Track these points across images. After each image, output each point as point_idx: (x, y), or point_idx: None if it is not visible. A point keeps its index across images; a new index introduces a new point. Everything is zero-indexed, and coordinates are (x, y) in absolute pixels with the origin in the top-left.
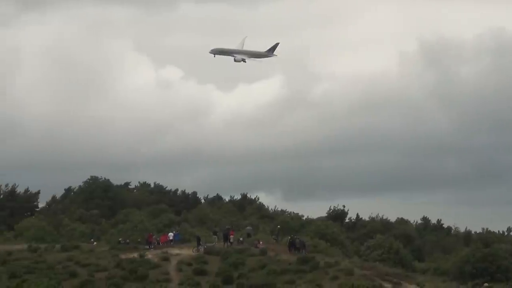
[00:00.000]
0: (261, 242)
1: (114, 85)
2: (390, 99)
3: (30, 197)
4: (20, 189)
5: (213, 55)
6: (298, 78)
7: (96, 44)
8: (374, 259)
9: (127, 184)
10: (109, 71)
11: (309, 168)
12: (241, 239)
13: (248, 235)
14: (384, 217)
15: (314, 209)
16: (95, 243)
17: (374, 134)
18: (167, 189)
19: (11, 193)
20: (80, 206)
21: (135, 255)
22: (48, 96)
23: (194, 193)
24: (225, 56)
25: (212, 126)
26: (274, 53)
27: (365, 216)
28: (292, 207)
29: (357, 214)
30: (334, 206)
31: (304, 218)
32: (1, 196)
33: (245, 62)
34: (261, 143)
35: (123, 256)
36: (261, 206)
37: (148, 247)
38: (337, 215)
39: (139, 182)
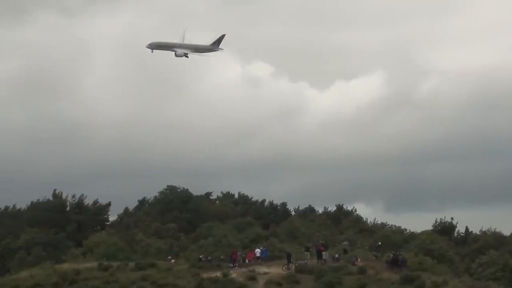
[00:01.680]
0: (359, 259)
1: (195, 83)
2: (505, 97)
3: (100, 210)
4: (88, 201)
5: (150, 50)
6: (402, 75)
7: (173, 38)
8: (487, 278)
9: (208, 194)
10: (189, 67)
11: (413, 175)
12: (336, 255)
13: (345, 251)
14: (498, 231)
15: (418, 221)
16: (173, 260)
17: (487, 137)
18: (253, 200)
19: (79, 205)
20: (155, 219)
21: (218, 274)
22: (120, 96)
23: (284, 204)
24: (165, 51)
25: (305, 128)
26: (220, 46)
27: (476, 230)
28: (393, 220)
29: (467, 228)
30: (441, 219)
31: (407, 231)
32: (68, 209)
33: (187, 57)
34: (359, 147)
35: (204, 275)
36: (359, 219)
37: (232, 265)
38: (444, 229)
39: (221, 192)
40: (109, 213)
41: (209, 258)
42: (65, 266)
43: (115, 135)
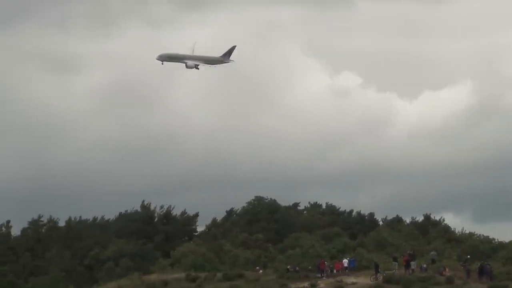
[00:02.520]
0: (447, 269)
1: (283, 93)
2: None
3: (188, 220)
4: (176, 211)
5: (160, 62)
6: (489, 84)
7: (262, 48)
8: None
9: (296, 204)
10: (277, 78)
11: (501, 184)
12: (424, 265)
13: (433, 261)
14: None
15: (507, 231)
16: (261, 271)
17: None
18: (340, 210)
19: (167, 216)
20: (243, 230)
21: (306, 284)
22: (209, 106)
23: (371, 214)
24: (175, 63)
25: (393, 139)
26: (231, 58)
27: None
28: (481, 229)
29: None
30: None
31: (495, 241)
32: (156, 220)
33: (197, 68)
34: (448, 156)
35: (292, 286)
36: (446, 228)
37: (320, 275)
38: None
39: (309, 203)
40: (197, 223)
41: (297, 268)
42: (153, 277)
43: (204, 145)
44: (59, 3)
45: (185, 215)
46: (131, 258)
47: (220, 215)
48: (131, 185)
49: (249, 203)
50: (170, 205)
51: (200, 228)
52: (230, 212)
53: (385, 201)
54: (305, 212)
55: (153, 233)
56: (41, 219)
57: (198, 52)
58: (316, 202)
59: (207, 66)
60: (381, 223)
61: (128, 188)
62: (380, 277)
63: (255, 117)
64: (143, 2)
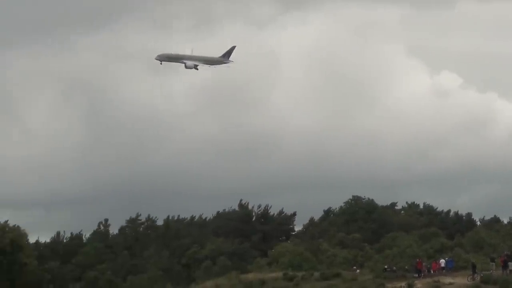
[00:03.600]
0: None
1: (383, 94)
2: None
3: (285, 220)
4: (273, 211)
5: (159, 62)
6: None
7: (362, 48)
8: None
9: (393, 204)
10: (378, 78)
11: None
12: None
13: None
14: None
15: None
16: (358, 270)
17: None
18: (438, 210)
19: (264, 215)
20: (340, 229)
21: (403, 284)
22: (309, 107)
23: (469, 215)
24: (174, 63)
25: (495, 139)
26: (230, 58)
27: None
28: None
29: None
30: None
31: None
32: (254, 219)
33: (197, 69)
34: None
35: (389, 286)
36: None
37: (417, 275)
38: None
39: (406, 203)
40: (294, 223)
41: (394, 268)
42: (251, 276)
43: (303, 145)
44: (161, 2)
45: (283, 214)
46: (229, 257)
47: (317, 215)
48: (230, 184)
49: (346, 202)
50: (268, 205)
51: (298, 227)
52: (327, 212)
53: (483, 201)
54: (402, 212)
55: (250, 232)
56: (139, 217)
57: (197, 53)
58: (414, 202)
59: (206, 66)
60: (478, 223)
61: (226, 187)
62: (477, 278)
63: (355, 118)
64: (246, 2)
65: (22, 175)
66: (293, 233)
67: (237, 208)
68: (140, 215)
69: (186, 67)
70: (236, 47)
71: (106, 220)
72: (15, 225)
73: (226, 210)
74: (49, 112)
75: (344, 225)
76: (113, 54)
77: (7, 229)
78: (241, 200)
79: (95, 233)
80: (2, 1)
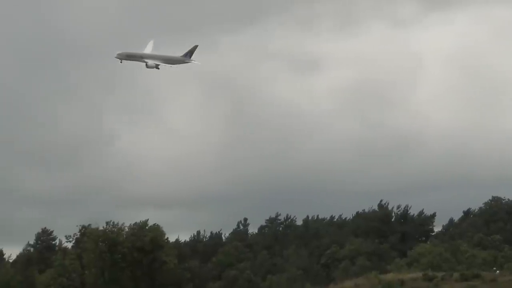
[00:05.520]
0: None
1: None
2: None
3: (425, 220)
4: (413, 211)
5: (119, 60)
6: None
7: (507, 49)
8: None
9: None
10: None
11: None
12: None
13: None
14: None
15: None
16: (497, 271)
17: None
18: None
19: (403, 216)
20: (479, 230)
21: None
22: (453, 108)
23: None
24: (134, 62)
25: None
26: (192, 57)
27: None
28: None
29: None
30: None
31: None
32: (393, 219)
33: (158, 68)
34: None
35: None
36: None
37: None
38: None
39: None
40: (434, 224)
41: None
42: (390, 276)
43: (444, 145)
44: (305, 2)
45: (423, 215)
46: (368, 257)
47: (457, 215)
48: (370, 184)
49: (486, 203)
50: (407, 205)
51: (437, 228)
52: (467, 213)
53: None
54: None
55: (389, 232)
56: (278, 217)
57: (158, 51)
58: None
59: (167, 66)
60: None
61: (367, 187)
62: None
63: (498, 118)
64: (390, 2)
65: (164, 175)
66: (433, 233)
67: (376, 208)
68: (279, 214)
69: (147, 66)
70: (198, 47)
71: (245, 219)
72: (154, 224)
73: (366, 210)
74: (192, 113)
75: (483, 226)
76: (256, 53)
77: (147, 227)
78: (381, 201)
79: (235, 232)
80: (146, 1)
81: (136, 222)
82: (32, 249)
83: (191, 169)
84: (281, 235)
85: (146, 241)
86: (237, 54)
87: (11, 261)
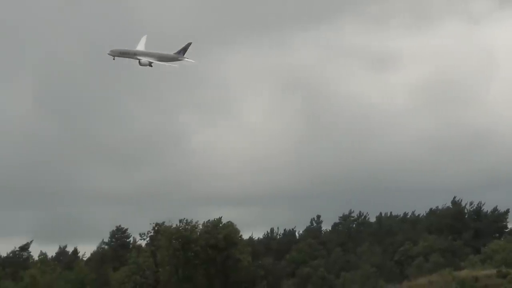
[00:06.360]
0: None
1: None
2: None
3: (498, 217)
4: (487, 208)
5: (112, 57)
6: None
7: None
8: None
9: None
10: None
11: None
12: None
13: None
14: None
15: None
16: None
17: None
18: None
19: (477, 212)
20: None
21: None
22: None
23: None
24: (127, 59)
25: None
26: (186, 55)
27: None
28: None
29: None
30: None
31: None
32: (466, 216)
33: (151, 66)
34: None
35: None
36: None
37: None
38: None
39: None
40: (507, 220)
41: None
42: (463, 273)
43: None
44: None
45: (496, 211)
46: (441, 254)
47: None
48: (444, 181)
49: None
50: (480, 202)
51: (511, 224)
52: None
53: None
54: None
55: (463, 229)
56: (352, 214)
57: (151, 49)
58: None
59: (161, 63)
60: None
61: (441, 184)
62: None
63: None
64: None
65: (238, 172)
66: (506, 230)
67: (450, 205)
68: (353, 211)
69: (141, 64)
70: (191, 44)
71: (319, 216)
72: (228, 221)
73: (439, 207)
74: (267, 110)
75: None
76: (330, 50)
77: (220, 225)
78: (454, 197)
79: (308, 230)
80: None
81: (210, 220)
82: (106, 247)
83: (265, 166)
84: (354, 232)
85: (220, 238)
86: (312, 51)
87: (85, 259)
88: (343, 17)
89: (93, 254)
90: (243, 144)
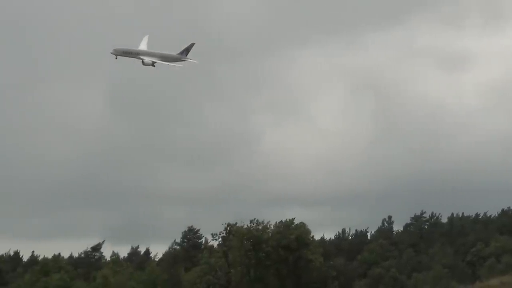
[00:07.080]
0: None
1: None
2: None
3: None
4: None
5: (114, 56)
6: None
7: None
8: None
9: None
10: None
11: None
12: None
13: None
14: None
15: None
16: None
17: None
18: None
19: None
20: None
21: None
22: None
23: None
24: (130, 58)
25: None
26: (188, 55)
27: None
28: None
29: None
30: None
31: None
32: None
33: (154, 66)
34: None
35: None
36: None
37: None
38: None
39: None
40: None
41: None
42: None
43: None
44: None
45: None
46: None
47: None
48: None
49: None
50: None
51: None
52: None
53: None
54: None
55: None
56: (424, 215)
57: (153, 48)
58: None
59: (164, 63)
60: None
61: None
62: None
63: None
64: None
65: (309, 173)
66: None
67: None
68: (424, 212)
69: (144, 63)
70: (194, 44)
71: (390, 217)
72: (300, 222)
73: (511, 207)
74: (339, 110)
75: None
76: (403, 50)
77: (292, 225)
78: None
79: (380, 230)
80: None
81: (281, 221)
82: (178, 247)
83: (336, 166)
84: (426, 233)
85: (292, 239)
86: (384, 52)
87: (157, 259)
88: (415, 18)
89: (165, 255)
90: (314, 144)
